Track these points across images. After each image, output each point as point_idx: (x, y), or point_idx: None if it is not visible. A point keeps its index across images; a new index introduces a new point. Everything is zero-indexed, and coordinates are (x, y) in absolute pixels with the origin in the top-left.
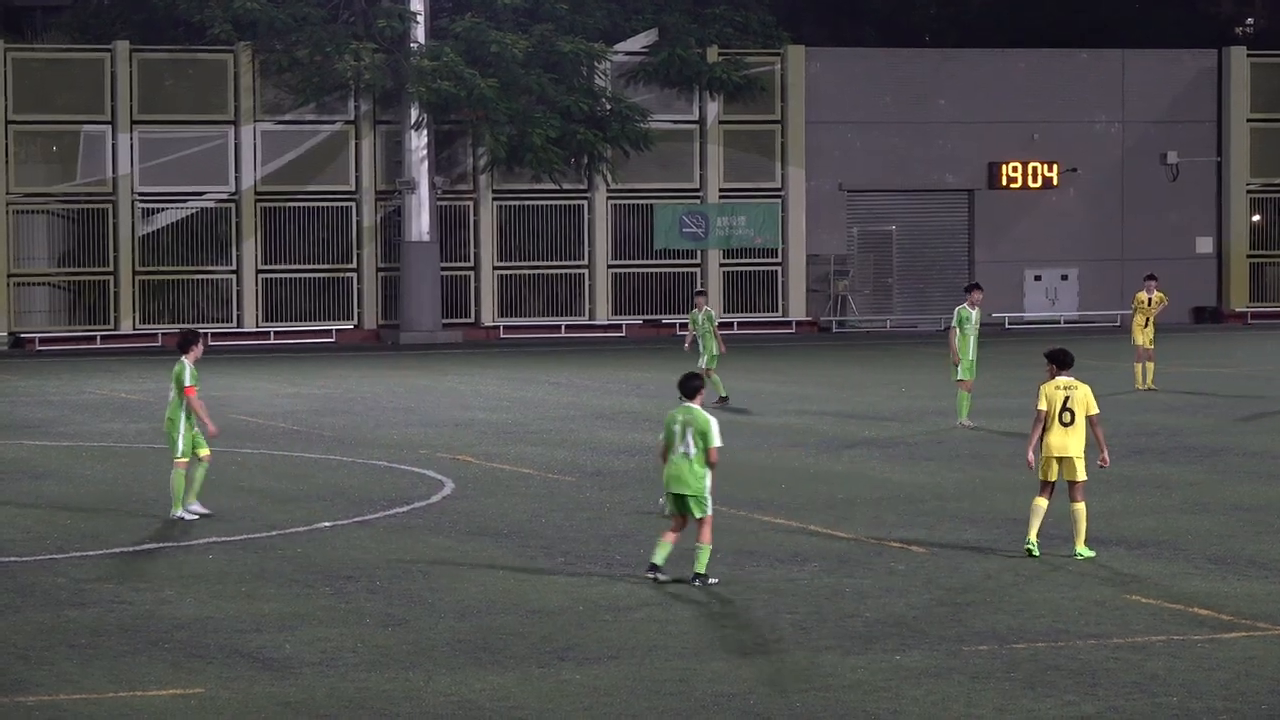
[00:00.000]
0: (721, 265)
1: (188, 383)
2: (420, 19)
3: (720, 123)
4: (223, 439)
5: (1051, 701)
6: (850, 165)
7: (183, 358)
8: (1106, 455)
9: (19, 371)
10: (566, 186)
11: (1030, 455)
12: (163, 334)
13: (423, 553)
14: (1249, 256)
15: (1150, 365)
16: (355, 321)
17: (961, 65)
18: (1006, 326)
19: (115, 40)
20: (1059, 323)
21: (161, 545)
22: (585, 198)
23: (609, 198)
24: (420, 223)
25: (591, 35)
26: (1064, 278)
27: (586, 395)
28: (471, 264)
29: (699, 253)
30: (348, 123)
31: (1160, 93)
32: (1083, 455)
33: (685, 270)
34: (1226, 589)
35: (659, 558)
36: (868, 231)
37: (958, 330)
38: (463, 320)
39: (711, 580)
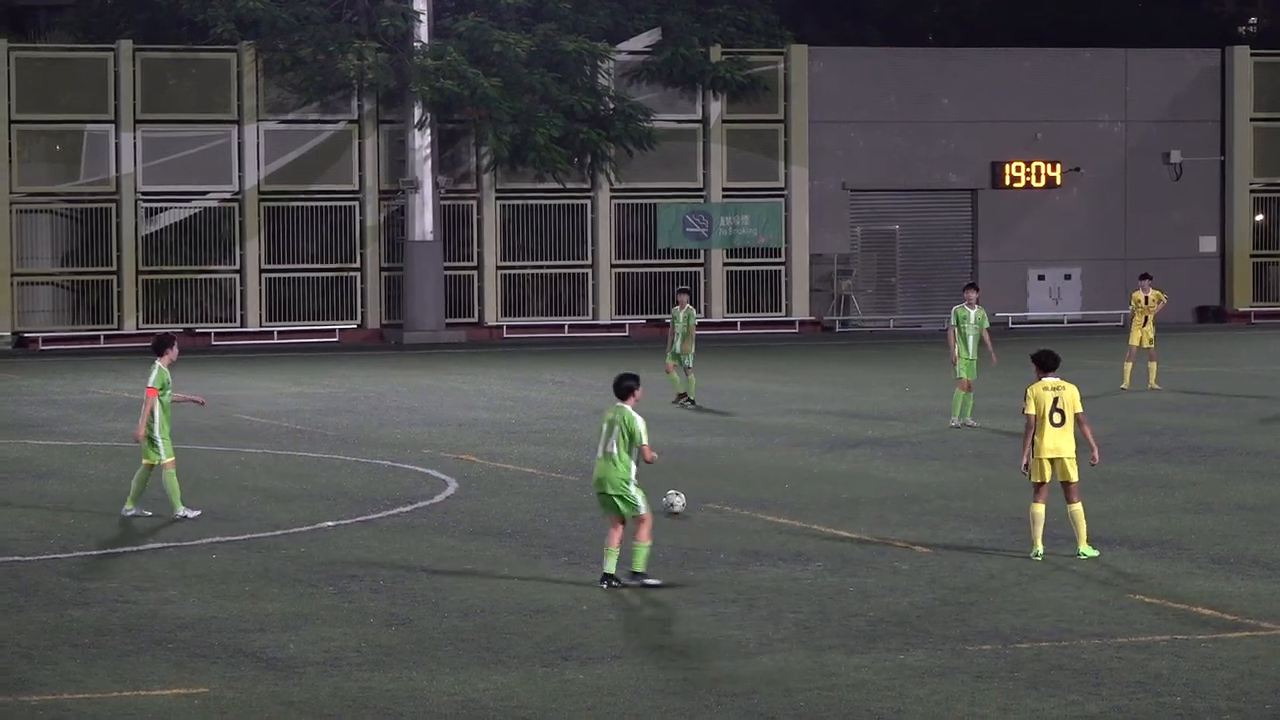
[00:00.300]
0: (725, 265)
1: (150, 383)
2: (423, 18)
3: (723, 122)
4: (227, 438)
5: (1055, 701)
6: (853, 165)
7: (156, 360)
8: (1096, 453)
9: (23, 371)
10: (570, 186)
11: (1025, 462)
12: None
13: (426, 552)
14: (1252, 256)
15: (1153, 365)
16: (359, 321)
17: (965, 65)
18: (1010, 326)
19: (118, 39)
20: (1062, 322)
21: (165, 545)
22: (588, 197)
23: (612, 197)
24: (423, 222)
25: (595, 34)
26: (1067, 277)
27: (590, 395)
28: (475, 263)
29: (702, 252)
30: (351, 122)
31: (1163, 92)
32: (1074, 456)
33: (689, 270)
34: (1230, 589)
35: (609, 566)
36: (871, 231)
37: (955, 330)
38: (466, 320)
39: (650, 581)
